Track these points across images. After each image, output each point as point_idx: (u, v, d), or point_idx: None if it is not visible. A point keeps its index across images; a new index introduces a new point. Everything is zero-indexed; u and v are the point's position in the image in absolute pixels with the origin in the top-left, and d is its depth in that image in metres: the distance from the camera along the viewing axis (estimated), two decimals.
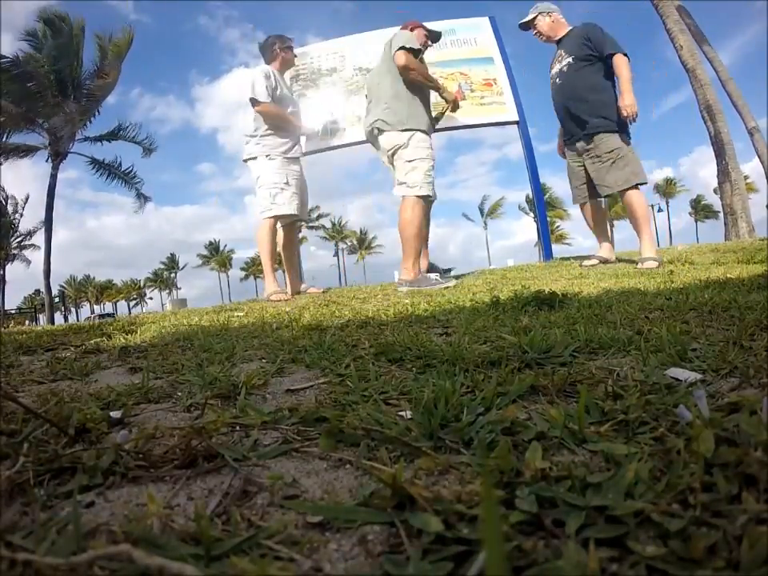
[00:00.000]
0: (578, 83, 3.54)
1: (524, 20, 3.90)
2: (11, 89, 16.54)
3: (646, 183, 3.51)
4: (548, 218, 4.91)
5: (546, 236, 5.14)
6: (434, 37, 3.81)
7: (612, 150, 3.44)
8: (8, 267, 29.90)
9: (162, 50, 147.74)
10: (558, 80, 3.69)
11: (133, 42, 18.41)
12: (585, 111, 3.52)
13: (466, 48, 4.91)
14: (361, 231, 62.44)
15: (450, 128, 5.15)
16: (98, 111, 19.21)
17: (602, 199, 3.83)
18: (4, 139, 18.08)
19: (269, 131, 3.69)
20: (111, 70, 18.18)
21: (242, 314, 2.54)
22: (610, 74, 3.52)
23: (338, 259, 59.19)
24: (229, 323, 2.11)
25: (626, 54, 3.43)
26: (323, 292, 3.81)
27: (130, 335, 1.92)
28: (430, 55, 4.84)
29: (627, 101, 3.35)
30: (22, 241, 31.66)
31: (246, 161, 3.80)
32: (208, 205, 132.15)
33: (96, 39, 18.05)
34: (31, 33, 17.49)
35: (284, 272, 4.05)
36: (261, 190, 3.71)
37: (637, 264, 3.45)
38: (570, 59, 3.60)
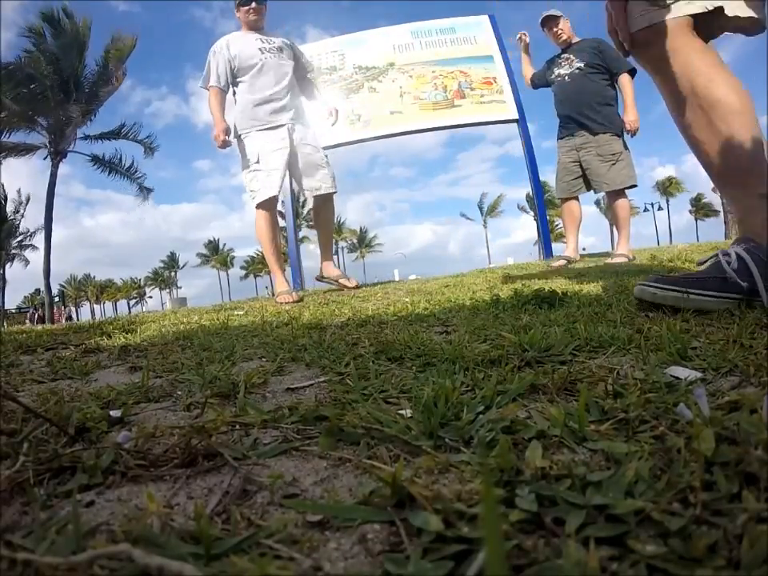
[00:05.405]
0: (589, 87, 3.91)
1: (552, 12, 4.07)
2: (12, 90, 16.49)
3: (636, 186, 3.92)
4: (548, 217, 4.92)
5: (546, 234, 5.14)
6: None
7: (614, 153, 3.81)
8: (8, 267, 29.92)
9: (154, 43, 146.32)
10: (567, 78, 4.02)
11: (136, 46, 18.41)
12: (593, 111, 3.88)
13: (466, 46, 4.90)
14: (360, 229, 62.52)
15: (449, 126, 5.14)
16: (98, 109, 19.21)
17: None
18: (4, 138, 18.04)
19: (242, 104, 3.08)
20: (119, 76, 18.17)
21: (241, 312, 2.54)
22: (613, 85, 3.95)
23: (338, 258, 59.22)
24: (229, 322, 2.11)
25: (633, 70, 3.79)
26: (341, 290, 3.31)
27: (130, 334, 1.92)
28: (429, 54, 4.84)
29: (632, 116, 3.79)
30: (22, 241, 31.70)
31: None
32: (206, 202, 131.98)
33: (107, 46, 18.02)
34: (33, 31, 17.43)
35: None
36: (243, 179, 3.15)
37: (610, 258, 3.88)
38: (581, 64, 3.96)
